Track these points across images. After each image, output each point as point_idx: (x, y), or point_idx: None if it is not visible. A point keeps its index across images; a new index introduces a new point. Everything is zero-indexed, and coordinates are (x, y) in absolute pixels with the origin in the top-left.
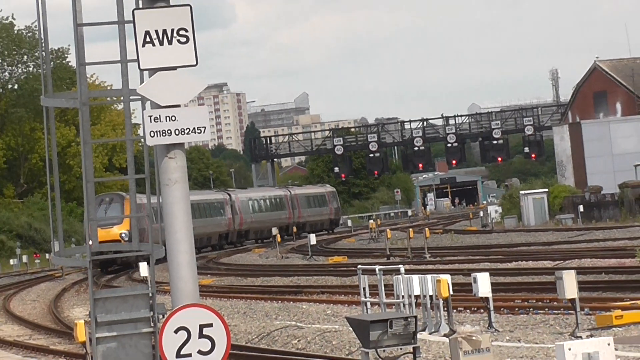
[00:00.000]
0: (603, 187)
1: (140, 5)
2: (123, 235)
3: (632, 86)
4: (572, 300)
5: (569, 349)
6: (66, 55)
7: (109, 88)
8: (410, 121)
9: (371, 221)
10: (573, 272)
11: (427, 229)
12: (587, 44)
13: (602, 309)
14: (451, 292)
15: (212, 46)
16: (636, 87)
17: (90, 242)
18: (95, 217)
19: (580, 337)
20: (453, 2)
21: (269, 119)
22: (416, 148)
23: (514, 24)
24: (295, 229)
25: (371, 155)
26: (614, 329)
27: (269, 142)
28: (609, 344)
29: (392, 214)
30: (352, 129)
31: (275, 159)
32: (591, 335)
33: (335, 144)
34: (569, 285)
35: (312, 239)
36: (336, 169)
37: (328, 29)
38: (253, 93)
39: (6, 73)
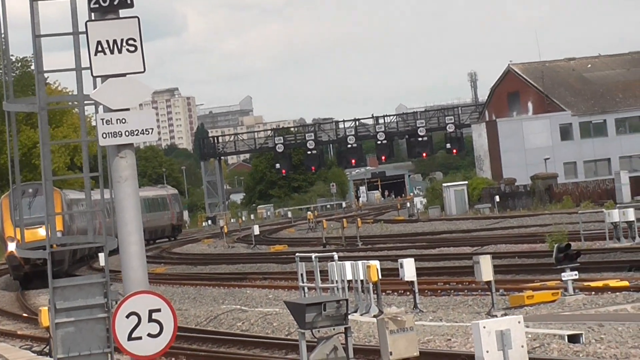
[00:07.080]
0: (517, 179)
1: (93, 18)
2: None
3: (542, 87)
4: (489, 283)
5: (484, 327)
6: (30, 63)
7: (70, 93)
8: (344, 121)
9: (309, 213)
10: (489, 256)
11: (359, 219)
12: (502, 49)
13: (516, 290)
14: (380, 277)
15: (164, 53)
16: (546, 87)
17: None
18: (53, 213)
19: (496, 316)
20: (383, 14)
21: (217, 120)
22: (349, 145)
23: (438, 32)
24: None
25: (309, 152)
26: (526, 308)
27: (216, 141)
28: (519, 322)
29: (328, 206)
30: (292, 129)
31: (222, 157)
32: (505, 314)
33: (276, 142)
34: (486, 268)
35: (256, 229)
36: (277, 165)
37: (271, 38)
38: (202, 97)
39: None
